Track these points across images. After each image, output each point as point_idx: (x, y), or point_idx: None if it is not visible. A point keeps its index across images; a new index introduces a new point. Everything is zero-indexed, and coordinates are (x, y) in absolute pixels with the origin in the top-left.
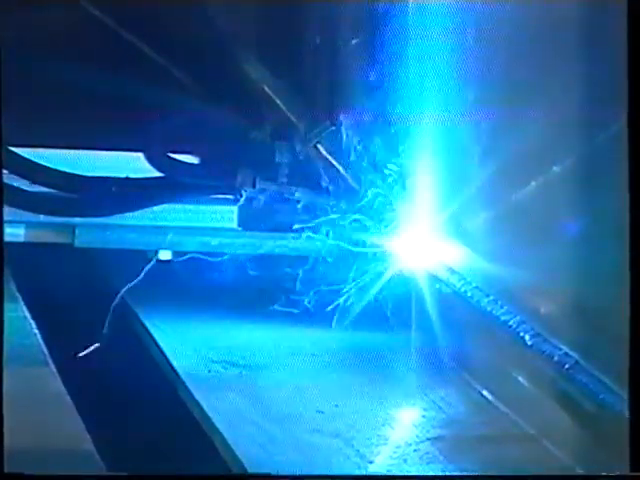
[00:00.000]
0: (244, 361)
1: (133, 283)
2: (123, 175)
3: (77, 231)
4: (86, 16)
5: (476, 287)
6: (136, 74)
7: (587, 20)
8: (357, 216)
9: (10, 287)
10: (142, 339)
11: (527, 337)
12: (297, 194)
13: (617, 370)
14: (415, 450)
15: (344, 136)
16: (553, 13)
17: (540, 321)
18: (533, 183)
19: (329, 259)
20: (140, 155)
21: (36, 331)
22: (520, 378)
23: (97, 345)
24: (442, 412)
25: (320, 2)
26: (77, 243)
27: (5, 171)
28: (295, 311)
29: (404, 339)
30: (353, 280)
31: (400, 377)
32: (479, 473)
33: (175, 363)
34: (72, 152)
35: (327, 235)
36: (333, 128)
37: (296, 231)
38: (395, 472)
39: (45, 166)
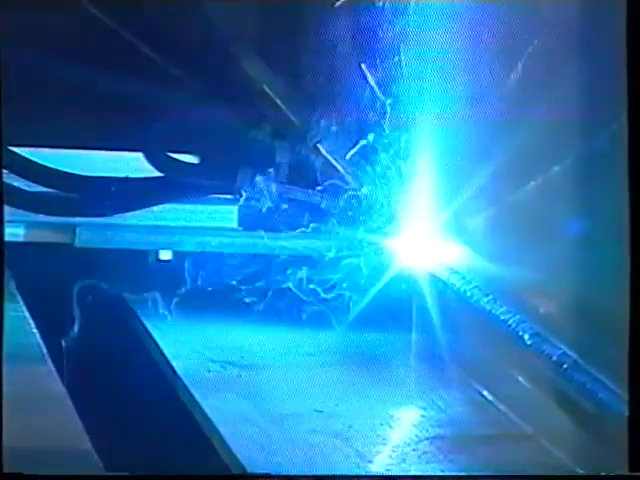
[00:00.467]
0: (243, 361)
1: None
2: (123, 175)
3: (77, 231)
4: (86, 16)
5: (475, 286)
6: (136, 74)
7: (587, 20)
8: (357, 216)
9: (10, 287)
10: (141, 339)
11: (526, 336)
12: (297, 194)
13: (616, 369)
14: (414, 449)
15: (344, 136)
16: (553, 13)
17: (539, 320)
18: (533, 183)
19: (329, 259)
20: (140, 155)
21: (35, 330)
22: (519, 377)
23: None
24: (441, 411)
25: (320, 2)
26: (77, 243)
27: (5, 171)
28: (295, 311)
29: (403, 339)
30: (353, 280)
31: (399, 376)
32: (478, 472)
33: (174, 363)
34: (72, 152)
35: (327, 235)
36: (333, 128)
37: (296, 231)
38: (394, 471)
39: (45, 166)
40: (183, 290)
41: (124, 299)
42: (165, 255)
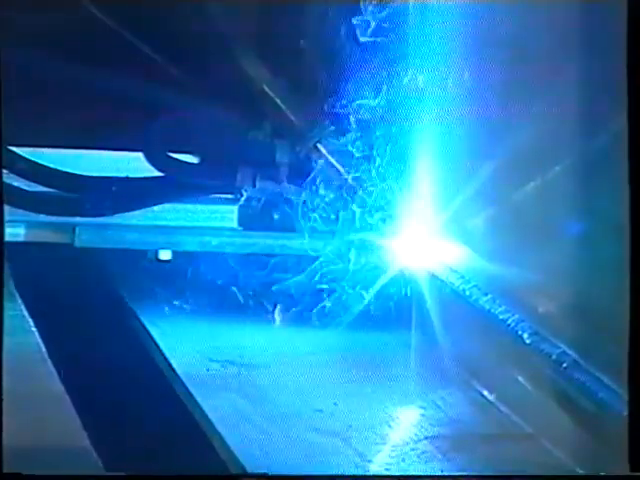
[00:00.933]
0: (243, 360)
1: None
2: (123, 175)
3: (77, 231)
4: (86, 15)
5: (474, 286)
6: (136, 74)
7: (587, 20)
8: (357, 216)
9: (10, 287)
10: (141, 338)
11: (525, 336)
12: (297, 194)
13: (616, 369)
14: (413, 449)
15: (344, 136)
16: (553, 13)
17: (539, 320)
18: (532, 182)
19: (329, 258)
20: (140, 155)
21: (34, 329)
22: (518, 377)
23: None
24: (440, 411)
25: (321, 1)
26: (77, 243)
27: (5, 171)
28: (294, 310)
29: (403, 338)
30: (353, 279)
31: (399, 376)
32: (477, 472)
33: (173, 362)
34: (72, 152)
35: (327, 235)
36: (333, 128)
37: (296, 231)
38: (393, 471)
39: (45, 166)
40: (183, 290)
41: (124, 299)
42: (165, 255)
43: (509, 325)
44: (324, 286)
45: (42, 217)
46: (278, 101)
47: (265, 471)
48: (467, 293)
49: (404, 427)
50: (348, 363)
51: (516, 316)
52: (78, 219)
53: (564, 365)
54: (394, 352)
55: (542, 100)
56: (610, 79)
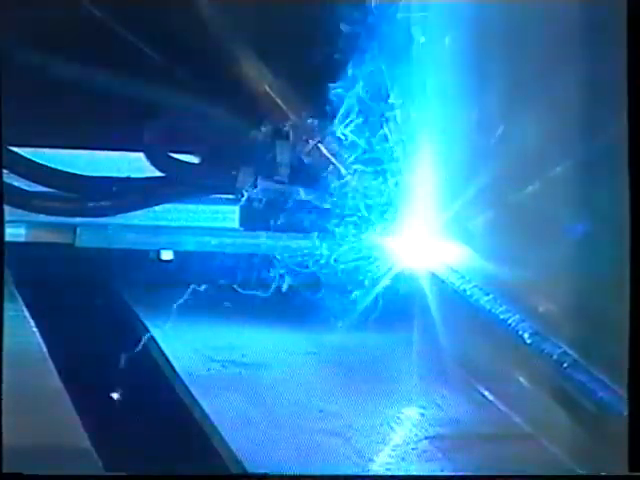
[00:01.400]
0: (244, 360)
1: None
2: (124, 175)
3: (78, 231)
4: (86, 15)
5: (475, 286)
6: (137, 74)
7: (587, 20)
8: (358, 215)
9: (10, 287)
10: (141, 337)
11: (526, 335)
12: (298, 194)
13: (616, 368)
14: (414, 449)
15: (345, 136)
16: (553, 13)
17: (539, 320)
18: (533, 183)
19: (330, 259)
20: (141, 155)
21: (35, 329)
22: (519, 376)
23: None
24: (441, 411)
25: (321, 1)
26: (78, 243)
27: (5, 171)
28: (295, 310)
29: (403, 338)
30: (354, 279)
31: (399, 376)
32: (477, 472)
33: (174, 362)
34: (72, 152)
35: (328, 235)
36: (334, 128)
37: (297, 231)
38: (394, 470)
39: (46, 166)
40: (184, 289)
41: (124, 299)
42: (166, 255)
43: (510, 325)
44: (325, 286)
45: (43, 217)
46: (279, 101)
47: (265, 471)
48: (468, 293)
49: (404, 427)
50: (349, 363)
51: (517, 316)
52: (79, 219)
53: (564, 365)
54: (395, 352)
55: (542, 101)
56: (610, 79)
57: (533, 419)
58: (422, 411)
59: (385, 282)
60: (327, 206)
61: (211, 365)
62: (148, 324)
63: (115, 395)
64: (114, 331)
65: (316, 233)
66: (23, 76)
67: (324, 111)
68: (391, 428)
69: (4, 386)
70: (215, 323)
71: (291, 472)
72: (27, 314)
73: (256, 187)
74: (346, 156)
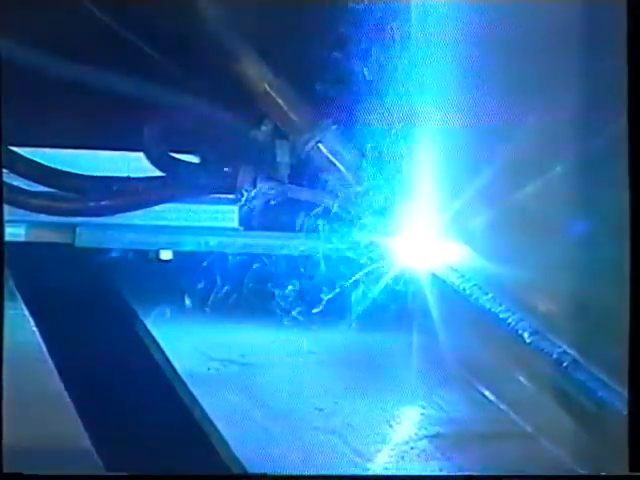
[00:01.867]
0: (243, 359)
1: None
2: (124, 175)
3: (78, 231)
4: (87, 15)
5: (475, 285)
6: (137, 73)
7: (587, 20)
8: (358, 215)
9: (10, 286)
10: (142, 337)
11: (526, 335)
12: (298, 194)
13: (616, 368)
14: (413, 448)
15: (345, 135)
16: (553, 13)
17: (539, 319)
18: (533, 183)
19: (330, 259)
20: (141, 155)
21: (35, 329)
22: (518, 376)
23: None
24: (440, 410)
25: (321, 1)
26: (78, 243)
27: (5, 171)
28: (295, 309)
29: (403, 337)
30: (354, 279)
31: (399, 375)
32: (477, 471)
33: (174, 361)
34: (72, 152)
35: (328, 235)
36: (334, 127)
37: (297, 231)
38: (393, 470)
39: (46, 166)
40: (184, 289)
41: (124, 298)
42: (166, 255)
43: (509, 324)
44: (325, 286)
45: (43, 217)
46: (279, 101)
47: (264, 470)
48: (468, 292)
49: (404, 426)
50: (348, 362)
51: (516, 315)
52: (79, 219)
53: (564, 364)
54: (394, 351)
55: (543, 100)
56: (610, 79)
57: (533, 419)
58: (421, 410)
59: (385, 282)
60: (327, 206)
61: (211, 364)
62: (148, 323)
63: (115, 395)
64: (114, 330)
65: (316, 233)
66: (23, 76)
67: (324, 111)
68: (390, 427)
69: (4, 386)
70: (214, 322)
71: (290, 471)
72: (27, 314)
73: (256, 187)
74: (346, 156)
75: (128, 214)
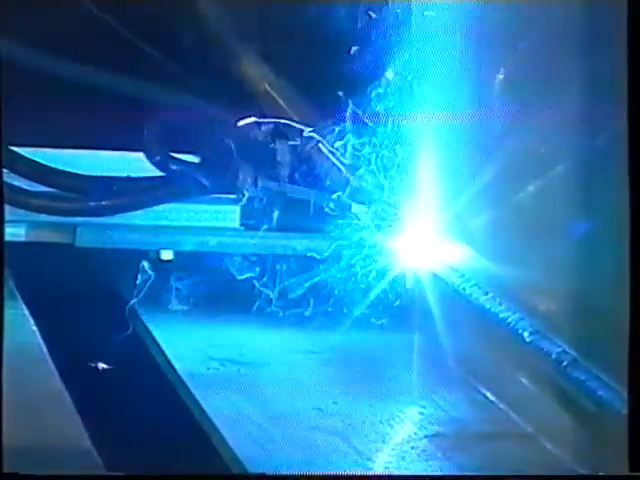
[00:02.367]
0: (243, 359)
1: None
2: (124, 175)
3: (78, 231)
4: (87, 15)
5: (475, 284)
6: (137, 74)
7: (587, 20)
8: (359, 215)
9: (10, 286)
10: (141, 337)
11: (525, 334)
12: (299, 194)
13: (616, 367)
14: (413, 447)
15: (346, 135)
16: (553, 13)
17: (539, 318)
18: (534, 183)
19: (331, 259)
20: (141, 155)
21: (34, 328)
22: (518, 375)
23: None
24: (440, 410)
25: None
26: (78, 243)
27: (5, 171)
28: (295, 309)
29: (403, 338)
30: (354, 279)
31: (399, 375)
32: (477, 470)
33: (174, 361)
34: (72, 152)
35: (329, 235)
36: (335, 127)
37: (298, 230)
38: (393, 469)
39: (46, 166)
40: (184, 289)
41: (124, 298)
42: (166, 255)
43: (509, 324)
44: (325, 286)
45: (43, 217)
46: (280, 100)
47: (264, 470)
48: (468, 292)
49: (404, 426)
50: (348, 362)
51: (516, 315)
52: (79, 219)
53: (564, 364)
54: (394, 351)
55: (543, 101)
56: (610, 79)
57: (533, 418)
58: (422, 410)
59: (386, 282)
60: (327, 206)
61: (210, 364)
62: (148, 323)
63: (115, 395)
64: (114, 330)
65: (316, 233)
66: (23, 76)
67: (325, 111)
68: (391, 427)
69: (4, 386)
70: (215, 322)
71: (290, 471)
72: (27, 313)
73: (256, 187)
74: (347, 156)
75: (128, 214)
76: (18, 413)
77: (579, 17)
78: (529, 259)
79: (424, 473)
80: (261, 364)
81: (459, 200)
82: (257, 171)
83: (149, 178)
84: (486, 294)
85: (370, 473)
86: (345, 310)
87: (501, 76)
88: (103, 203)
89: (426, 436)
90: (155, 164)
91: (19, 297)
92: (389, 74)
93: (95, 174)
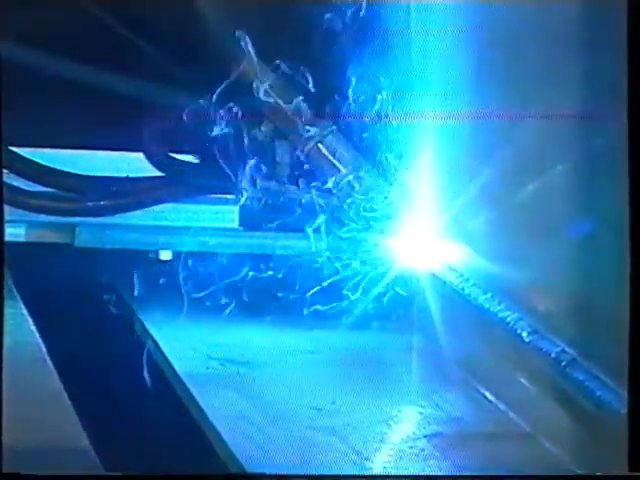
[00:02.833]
0: (242, 358)
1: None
2: (123, 175)
3: (77, 231)
4: (87, 15)
5: (474, 284)
6: (136, 73)
7: (587, 20)
8: (358, 215)
9: (9, 286)
10: (141, 337)
11: (524, 334)
12: (298, 194)
13: (615, 367)
14: (411, 447)
15: (346, 135)
16: (553, 13)
17: (538, 318)
18: (533, 183)
19: (330, 259)
20: (140, 155)
21: (33, 328)
22: (517, 375)
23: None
24: (439, 409)
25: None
26: (77, 243)
27: (5, 171)
28: (295, 309)
29: (402, 338)
30: (354, 279)
31: (397, 375)
32: (475, 470)
33: (173, 361)
34: (72, 152)
35: (328, 235)
36: (334, 127)
37: (297, 231)
38: (391, 469)
39: (45, 166)
40: (183, 289)
41: (124, 298)
42: (165, 255)
43: (508, 324)
44: (325, 286)
45: (42, 217)
46: (280, 100)
47: (262, 470)
48: (467, 292)
49: (402, 426)
50: (347, 362)
51: (515, 314)
52: (78, 219)
53: (563, 363)
54: (393, 351)
55: (543, 100)
56: (610, 79)
57: (532, 418)
58: (420, 410)
59: (385, 282)
60: (327, 206)
61: (210, 363)
62: (147, 323)
63: (114, 395)
64: (113, 331)
65: (316, 233)
66: (23, 76)
67: (324, 110)
68: (389, 427)
69: (3, 386)
70: (214, 322)
71: (289, 471)
72: (26, 313)
73: (256, 187)
74: (346, 156)
75: (128, 214)
76: (17, 413)
77: (579, 17)
78: (529, 259)
79: (422, 473)
80: (260, 364)
81: (458, 200)
82: (257, 171)
83: (148, 178)
84: (485, 294)
85: (368, 473)
86: (344, 310)
87: (501, 76)
88: (102, 203)
89: (425, 436)
90: (154, 164)
91: (18, 297)
92: (390, 74)
93: (94, 174)
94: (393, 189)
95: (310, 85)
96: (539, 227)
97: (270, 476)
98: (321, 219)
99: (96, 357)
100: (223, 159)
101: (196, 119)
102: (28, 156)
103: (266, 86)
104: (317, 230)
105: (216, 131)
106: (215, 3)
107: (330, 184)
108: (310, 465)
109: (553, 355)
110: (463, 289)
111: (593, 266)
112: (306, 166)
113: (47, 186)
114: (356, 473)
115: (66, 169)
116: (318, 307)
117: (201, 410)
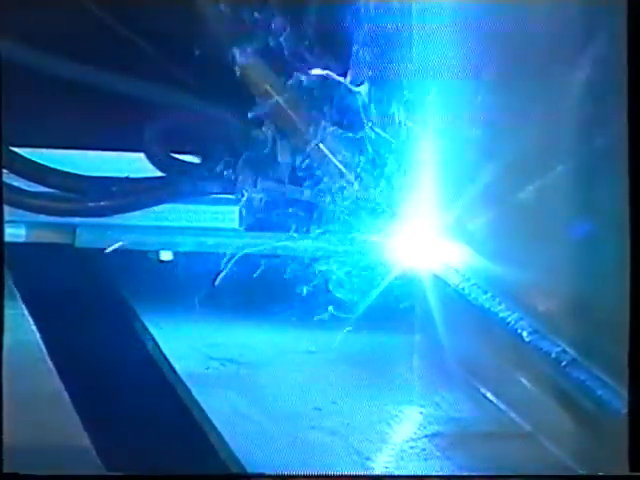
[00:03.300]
0: (242, 358)
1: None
2: (124, 175)
3: (78, 231)
4: (87, 15)
5: (474, 284)
6: (136, 73)
7: (587, 20)
8: (359, 216)
9: (10, 286)
10: (141, 337)
11: (525, 334)
12: (299, 194)
13: (615, 367)
14: (412, 447)
15: (346, 135)
16: (553, 13)
17: (539, 318)
18: (534, 183)
19: (331, 259)
20: (141, 155)
21: (34, 328)
22: (518, 375)
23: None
24: (440, 409)
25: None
26: (77, 243)
27: (5, 171)
28: (295, 309)
29: (403, 338)
30: (354, 279)
31: (398, 374)
32: (476, 470)
33: (173, 361)
34: (72, 152)
35: (329, 235)
36: (334, 128)
37: (298, 231)
38: (392, 469)
39: (45, 166)
40: (183, 290)
41: (124, 298)
42: (166, 255)
43: (509, 324)
44: (325, 286)
45: (42, 217)
46: (280, 100)
47: (263, 470)
48: (468, 292)
49: (403, 425)
50: (347, 362)
51: (515, 314)
52: (78, 220)
53: (563, 363)
54: (393, 351)
55: (542, 100)
56: (610, 79)
57: (532, 418)
58: (421, 410)
59: (386, 282)
60: (327, 206)
61: (210, 363)
62: (147, 323)
63: (114, 394)
64: (113, 331)
65: (316, 233)
66: (23, 76)
67: (325, 111)
68: (390, 426)
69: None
70: (214, 321)
71: (289, 471)
72: (26, 313)
73: (256, 187)
74: (347, 156)
75: (128, 214)
76: (17, 413)
77: (579, 17)
78: (529, 259)
79: (423, 473)
80: (261, 364)
81: (459, 200)
82: (257, 171)
83: (149, 178)
84: (485, 293)
85: (369, 473)
86: (345, 310)
87: (501, 76)
88: (103, 203)
89: (426, 436)
90: (155, 164)
91: (18, 297)
92: (390, 73)
93: (95, 174)
94: (394, 189)
95: (311, 85)
96: (540, 227)
97: (270, 476)
98: (322, 219)
99: (96, 357)
100: (223, 159)
101: (197, 119)
102: (28, 156)
103: (267, 86)
104: (317, 230)
105: (217, 131)
106: (215, 3)
107: (331, 184)
108: (311, 465)
109: (554, 355)
110: (464, 289)
111: (594, 266)
112: (306, 166)
113: (47, 186)
114: (357, 473)
115: (66, 169)
116: (319, 307)
117: (201, 410)
